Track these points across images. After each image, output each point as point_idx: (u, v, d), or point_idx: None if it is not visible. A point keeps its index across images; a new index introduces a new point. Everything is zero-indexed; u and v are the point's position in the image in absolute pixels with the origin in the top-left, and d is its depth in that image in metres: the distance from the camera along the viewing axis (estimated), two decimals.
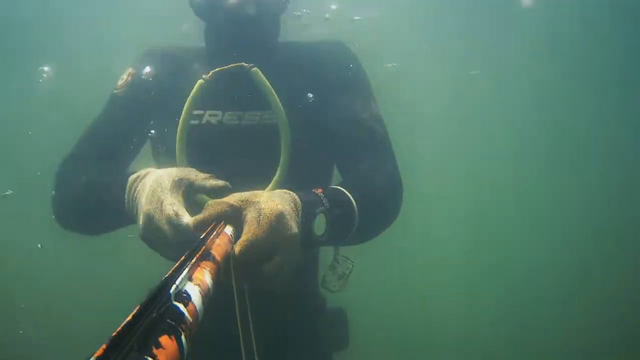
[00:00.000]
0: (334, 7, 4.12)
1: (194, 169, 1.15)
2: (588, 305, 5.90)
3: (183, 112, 1.37)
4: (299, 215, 1.03)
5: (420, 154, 5.67)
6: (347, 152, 1.46)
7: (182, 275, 0.53)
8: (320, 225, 1.10)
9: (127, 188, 1.16)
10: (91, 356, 0.35)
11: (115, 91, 1.56)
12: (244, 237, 0.89)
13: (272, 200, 0.96)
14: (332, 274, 1.58)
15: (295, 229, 0.97)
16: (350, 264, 1.62)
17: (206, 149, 1.42)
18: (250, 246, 0.87)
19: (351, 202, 1.20)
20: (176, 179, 1.08)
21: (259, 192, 1.01)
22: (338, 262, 1.61)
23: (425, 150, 6.09)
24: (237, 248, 0.86)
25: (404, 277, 6.39)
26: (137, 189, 1.13)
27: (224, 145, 1.44)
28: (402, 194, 1.46)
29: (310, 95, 1.47)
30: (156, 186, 1.06)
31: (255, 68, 1.38)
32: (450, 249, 6.67)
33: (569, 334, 5.71)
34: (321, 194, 1.14)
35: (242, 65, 1.38)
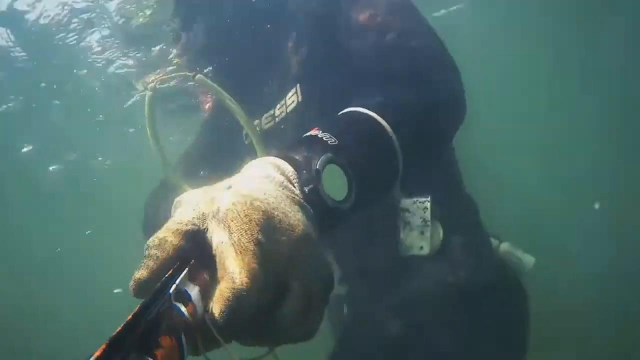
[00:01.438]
0: None
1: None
2: None
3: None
4: (297, 184, 0.64)
5: None
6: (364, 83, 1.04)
7: (182, 275, 0.53)
8: (334, 182, 0.68)
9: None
10: (91, 356, 0.35)
11: (204, 115, 1.63)
12: (220, 298, 0.51)
13: (244, 213, 0.54)
14: (409, 230, 1.11)
15: (301, 225, 0.57)
16: (426, 202, 1.11)
17: None
18: (237, 304, 0.50)
19: (373, 119, 0.82)
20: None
21: (222, 189, 0.60)
22: (409, 211, 1.12)
23: None
24: (215, 310, 0.50)
25: None
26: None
27: None
28: (458, 92, 1.06)
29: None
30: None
31: None
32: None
33: None
34: (318, 132, 0.75)
35: None
